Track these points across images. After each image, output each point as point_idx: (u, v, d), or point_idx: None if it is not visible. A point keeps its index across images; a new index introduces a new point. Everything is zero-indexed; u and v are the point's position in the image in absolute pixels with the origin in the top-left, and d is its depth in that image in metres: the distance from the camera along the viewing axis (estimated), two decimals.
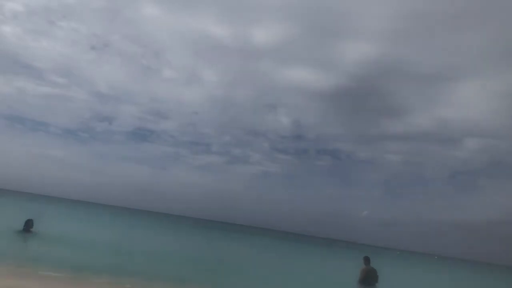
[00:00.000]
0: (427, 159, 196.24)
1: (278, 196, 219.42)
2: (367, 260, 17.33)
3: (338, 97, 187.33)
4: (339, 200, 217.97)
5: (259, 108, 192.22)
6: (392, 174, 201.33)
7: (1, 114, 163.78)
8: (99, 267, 15.06)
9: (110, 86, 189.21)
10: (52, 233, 22.76)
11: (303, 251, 59.12)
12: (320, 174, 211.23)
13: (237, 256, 33.65)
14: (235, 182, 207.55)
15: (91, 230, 35.22)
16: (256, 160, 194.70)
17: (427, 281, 36.37)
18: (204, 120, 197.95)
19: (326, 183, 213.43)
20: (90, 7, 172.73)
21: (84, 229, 35.10)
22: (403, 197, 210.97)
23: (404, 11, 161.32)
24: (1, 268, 12.25)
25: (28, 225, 20.72)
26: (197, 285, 15.84)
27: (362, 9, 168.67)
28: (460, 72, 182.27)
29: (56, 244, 19.82)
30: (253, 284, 18.78)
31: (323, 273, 29.56)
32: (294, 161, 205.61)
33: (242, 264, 27.07)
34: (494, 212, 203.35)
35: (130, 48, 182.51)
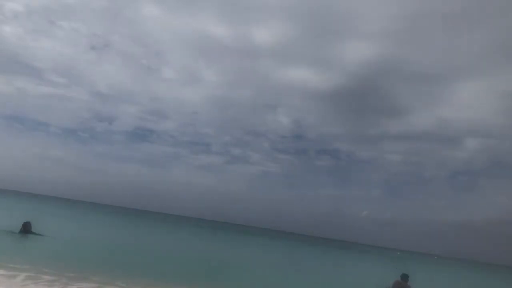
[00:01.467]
0: (427, 159, 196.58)
1: (278, 196, 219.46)
2: (404, 277, 18.78)
3: (338, 97, 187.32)
4: (339, 200, 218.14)
5: (259, 108, 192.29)
6: (392, 174, 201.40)
7: (1, 114, 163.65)
8: (98, 267, 15.19)
9: (110, 86, 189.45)
10: (50, 235, 22.66)
11: (304, 251, 59.01)
12: (320, 174, 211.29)
13: (240, 257, 33.70)
14: (235, 182, 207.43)
15: (89, 231, 35.21)
16: (256, 160, 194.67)
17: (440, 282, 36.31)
18: (204, 120, 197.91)
19: (326, 183, 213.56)
20: (90, 7, 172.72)
21: (81, 230, 35.03)
22: (403, 197, 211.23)
23: (405, 12, 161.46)
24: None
25: (25, 228, 20.83)
26: (205, 285, 16.08)
27: (363, 9, 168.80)
28: (460, 72, 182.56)
29: (52, 246, 19.81)
30: (259, 285, 18.88)
31: (326, 274, 29.49)
32: (294, 161, 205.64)
33: (247, 265, 27.11)
34: (494, 212, 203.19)
35: (130, 48, 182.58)
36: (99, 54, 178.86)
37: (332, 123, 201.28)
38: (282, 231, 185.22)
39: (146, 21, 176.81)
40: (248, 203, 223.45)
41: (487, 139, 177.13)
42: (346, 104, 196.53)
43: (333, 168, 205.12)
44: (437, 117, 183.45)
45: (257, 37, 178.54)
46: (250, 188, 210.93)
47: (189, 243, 41.41)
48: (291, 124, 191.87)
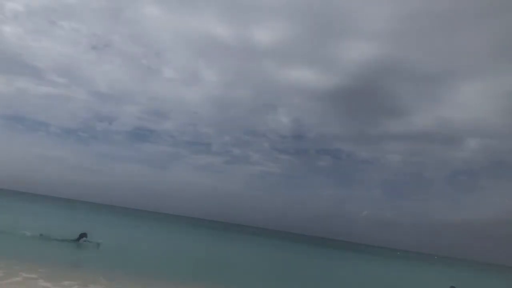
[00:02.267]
0: (427, 159, 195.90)
1: (278, 196, 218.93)
2: None
3: (338, 97, 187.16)
4: (339, 200, 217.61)
5: (259, 108, 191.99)
6: (392, 174, 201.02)
7: (1, 114, 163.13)
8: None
9: (110, 86, 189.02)
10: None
11: (305, 251, 58.92)
12: (321, 174, 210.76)
13: (241, 257, 33.83)
14: (235, 182, 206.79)
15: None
16: (256, 160, 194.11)
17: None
18: (204, 120, 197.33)
19: (326, 183, 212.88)
20: (91, 7, 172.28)
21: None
22: (403, 197, 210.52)
23: (405, 12, 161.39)
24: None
25: (82, 237, 23.58)
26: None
27: (363, 9, 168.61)
28: (460, 72, 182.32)
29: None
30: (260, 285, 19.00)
31: (327, 274, 29.38)
32: (294, 161, 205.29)
33: (248, 265, 27.20)
34: (494, 212, 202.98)
35: (130, 48, 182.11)
36: (99, 54, 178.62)
37: (332, 123, 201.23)
38: (282, 231, 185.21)
39: (146, 21, 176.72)
40: (248, 203, 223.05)
41: (487, 139, 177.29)
42: (346, 104, 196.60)
43: (333, 168, 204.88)
44: (437, 117, 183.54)
45: (257, 37, 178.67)
46: (250, 188, 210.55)
47: (220, 247, 42.15)
48: (291, 124, 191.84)
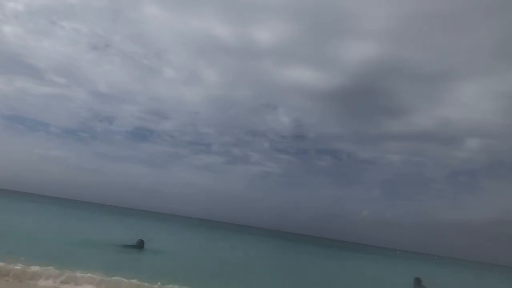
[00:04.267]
0: (427, 159, 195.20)
1: (278, 196, 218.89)
2: (417, 280, 19.55)
3: (338, 97, 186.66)
4: (339, 200, 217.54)
5: (259, 108, 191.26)
6: (392, 174, 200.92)
7: (1, 114, 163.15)
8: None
9: (110, 86, 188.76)
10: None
11: (305, 251, 59.18)
12: (321, 174, 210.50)
13: (243, 257, 34.14)
14: (235, 182, 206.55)
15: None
16: (256, 160, 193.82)
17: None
18: (204, 120, 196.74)
19: (326, 183, 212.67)
20: (92, 6, 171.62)
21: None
22: (403, 197, 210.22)
23: (405, 11, 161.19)
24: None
25: (140, 244, 24.40)
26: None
27: (363, 9, 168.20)
28: (460, 72, 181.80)
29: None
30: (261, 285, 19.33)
31: (328, 275, 29.61)
32: (294, 161, 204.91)
33: (250, 265, 27.51)
34: (494, 212, 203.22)
35: (131, 48, 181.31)
36: (99, 54, 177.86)
37: (332, 123, 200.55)
38: (282, 231, 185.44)
39: (146, 21, 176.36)
40: (248, 203, 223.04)
41: (487, 139, 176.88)
42: (346, 104, 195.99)
43: (333, 168, 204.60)
44: (438, 117, 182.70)
45: (257, 37, 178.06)
46: (250, 188, 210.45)
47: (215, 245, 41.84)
48: (291, 124, 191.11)
